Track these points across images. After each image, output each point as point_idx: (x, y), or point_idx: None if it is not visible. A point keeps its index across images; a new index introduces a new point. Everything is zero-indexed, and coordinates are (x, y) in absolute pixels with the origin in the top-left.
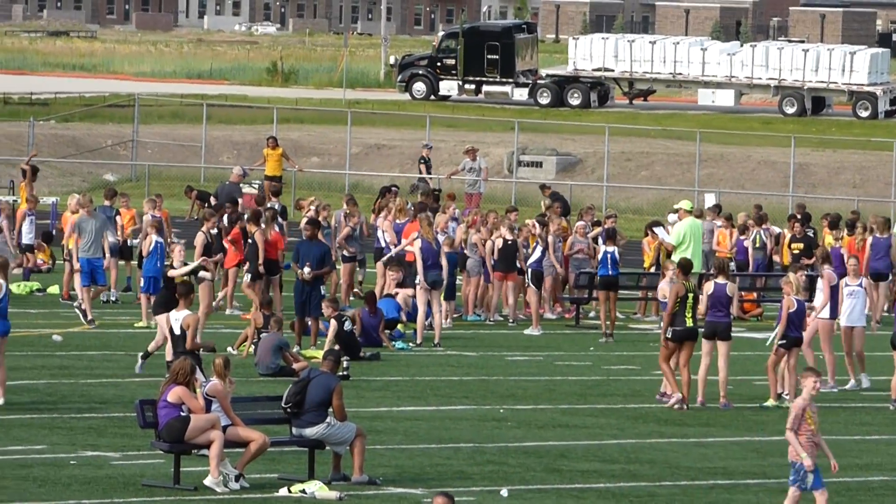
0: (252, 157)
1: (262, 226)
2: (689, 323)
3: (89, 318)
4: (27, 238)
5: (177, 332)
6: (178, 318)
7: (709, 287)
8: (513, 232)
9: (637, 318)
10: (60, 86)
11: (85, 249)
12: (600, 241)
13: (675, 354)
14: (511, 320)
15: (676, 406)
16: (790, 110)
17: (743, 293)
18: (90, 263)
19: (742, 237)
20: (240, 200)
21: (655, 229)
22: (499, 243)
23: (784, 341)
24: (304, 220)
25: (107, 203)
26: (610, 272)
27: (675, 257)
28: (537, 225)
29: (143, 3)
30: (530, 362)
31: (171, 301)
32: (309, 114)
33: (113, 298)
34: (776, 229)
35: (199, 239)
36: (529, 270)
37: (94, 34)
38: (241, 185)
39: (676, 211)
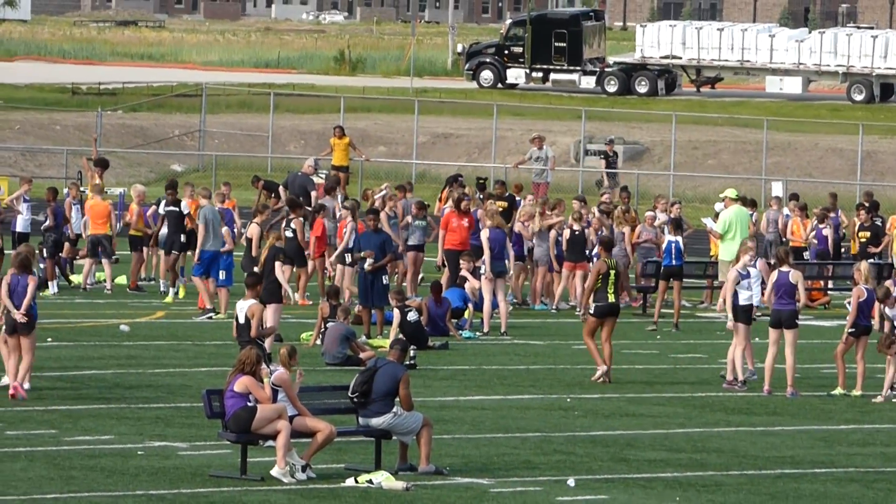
0: (319, 146)
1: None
2: (611, 298)
3: (209, 306)
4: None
5: (241, 320)
6: (243, 307)
7: (773, 276)
8: (580, 221)
9: (704, 306)
10: (128, 76)
11: (208, 241)
12: (666, 230)
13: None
14: (579, 310)
15: (601, 380)
16: (858, 97)
17: (810, 282)
18: (211, 255)
19: (821, 226)
20: (313, 193)
21: (703, 220)
22: (566, 233)
23: (853, 330)
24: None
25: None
26: (674, 262)
27: (723, 246)
28: (596, 212)
29: None
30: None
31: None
32: (376, 103)
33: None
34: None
35: (254, 230)
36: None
37: (162, 24)
38: (312, 176)
39: (723, 199)
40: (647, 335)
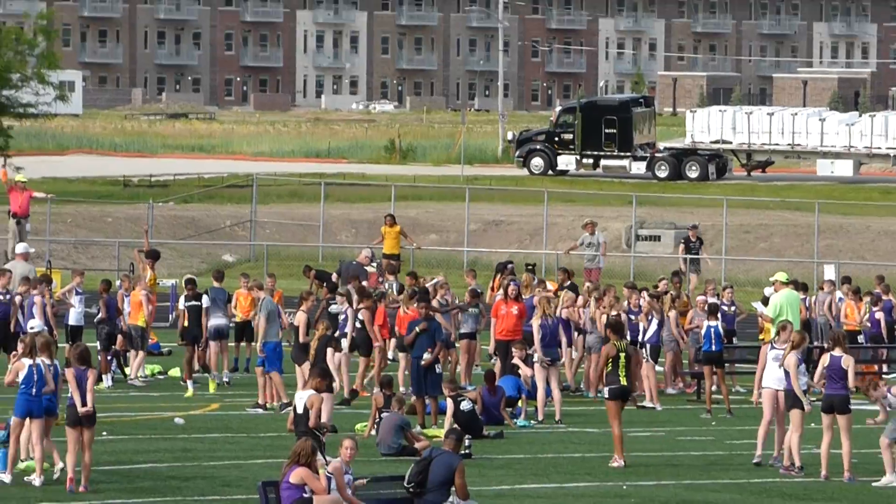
0: (370, 235)
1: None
2: (623, 381)
3: (284, 401)
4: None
5: (300, 410)
6: (302, 397)
7: (825, 359)
8: (616, 307)
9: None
10: (179, 167)
11: (274, 333)
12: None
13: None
14: (591, 393)
15: (615, 465)
16: None
17: (864, 366)
18: (273, 346)
19: (875, 308)
20: (364, 283)
21: (753, 304)
22: (604, 319)
23: None
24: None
25: (217, 285)
26: (713, 347)
27: (774, 330)
28: (646, 297)
29: (260, 84)
30: (652, 437)
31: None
32: (427, 191)
33: (226, 380)
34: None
35: (301, 318)
36: (648, 345)
37: (212, 115)
38: (366, 266)
39: (773, 283)
40: (701, 421)
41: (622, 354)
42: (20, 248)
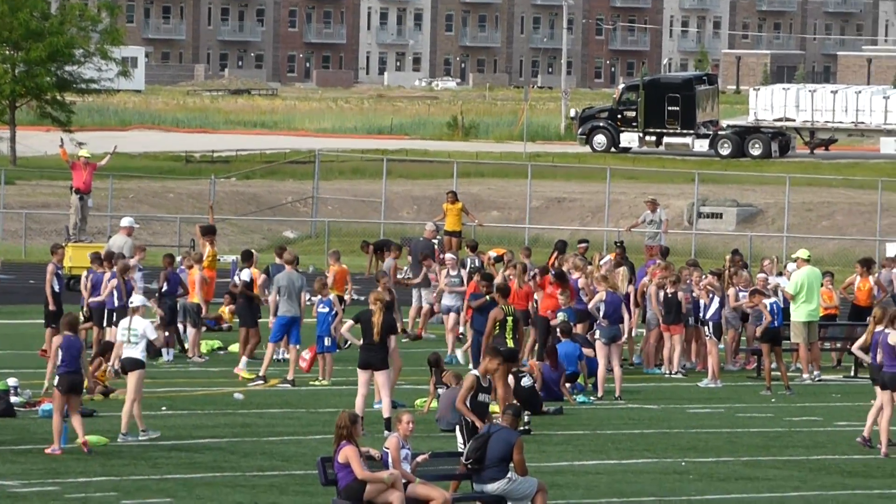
0: (432, 211)
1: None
2: (510, 343)
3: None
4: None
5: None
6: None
7: (876, 335)
8: (674, 284)
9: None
10: (241, 143)
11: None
12: (779, 291)
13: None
14: (672, 371)
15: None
16: None
17: None
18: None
19: None
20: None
21: (775, 279)
22: (660, 295)
23: None
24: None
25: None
26: (775, 323)
27: (794, 307)
28: (709, 276)
29: (323, 60)
30: (712, 415)
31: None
32: (489, 167)
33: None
34: None
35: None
36: (711, 323)
37: (274, 92)
38: (433, 241)
39: (795, 260)
40: (761, 398)
41: (510, 318)
42: (125, 221)
